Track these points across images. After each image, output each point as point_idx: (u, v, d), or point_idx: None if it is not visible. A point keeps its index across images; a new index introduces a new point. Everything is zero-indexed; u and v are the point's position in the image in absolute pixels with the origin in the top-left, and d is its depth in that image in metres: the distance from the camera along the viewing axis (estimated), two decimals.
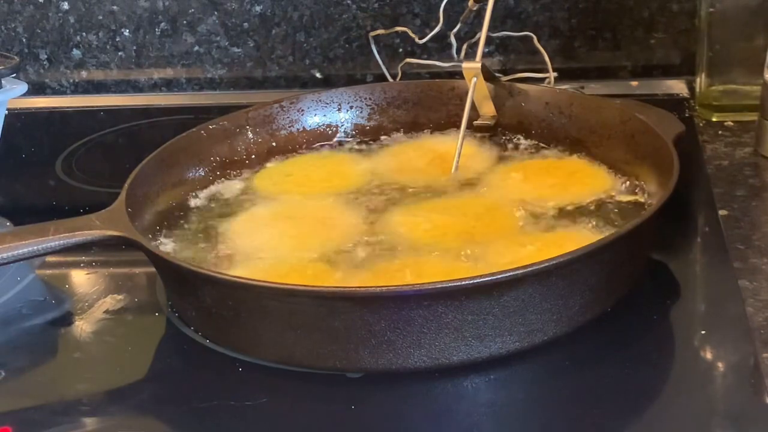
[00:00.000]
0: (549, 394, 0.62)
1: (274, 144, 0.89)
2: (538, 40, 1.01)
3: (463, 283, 0.61)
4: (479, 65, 0.84)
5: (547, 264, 0.61)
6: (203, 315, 0.68)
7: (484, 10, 0.87)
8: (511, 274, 0.61)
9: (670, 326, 0.67)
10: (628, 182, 0.78)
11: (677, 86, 1.04)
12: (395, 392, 0.62)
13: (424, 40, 1.05)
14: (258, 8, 1.09)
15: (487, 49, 1.07)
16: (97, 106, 1.11)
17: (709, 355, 0.64)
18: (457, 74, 0.90)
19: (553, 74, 0.99)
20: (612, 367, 0.63)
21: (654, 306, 0.68)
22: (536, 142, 0.87)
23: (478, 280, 0.61)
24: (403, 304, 0.61)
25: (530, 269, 0.61)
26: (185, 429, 0.61)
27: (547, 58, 1.00)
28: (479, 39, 0.86)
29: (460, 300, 0.61)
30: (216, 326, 0.67)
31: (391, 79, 1.06)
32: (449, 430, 0.59)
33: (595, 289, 0.65)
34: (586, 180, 0.80)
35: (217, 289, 0.65)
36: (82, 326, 0.71)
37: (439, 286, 0.61)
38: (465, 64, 0.85)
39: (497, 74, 0.93)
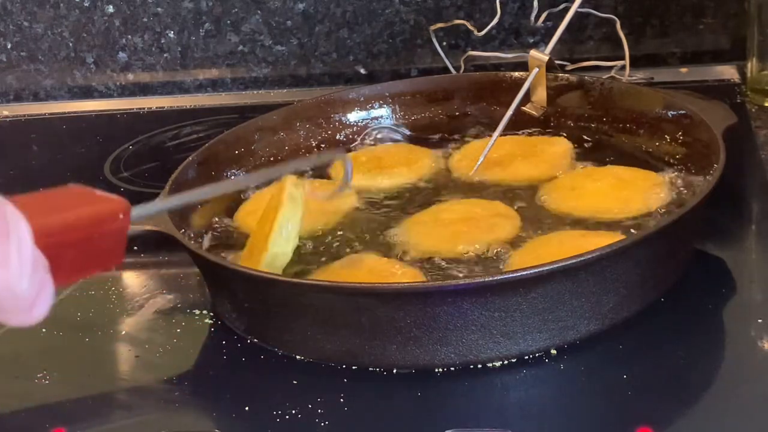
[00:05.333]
0: (597, 388, 0.60)
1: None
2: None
3: (486, 280, 0.61)
4: (547, 57, 0.82)
5: (572, 261, 0.60)
6: (237, 310, 0.68)
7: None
8: (535, 271, 0.60)
9: (726, 316, 0.66)
10: (678, 175, 0.77)
11: (728, 72, 1.02)
12: (426, 388, 0.61)
13: (483, 33, 1.03)
14: (301, 6, 1.09)
15: (537, 38, 1.06)
16: (143, 108, 1.11)
17: (766, 345, 0.63)
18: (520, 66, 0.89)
19: (624, 62, 0.97)
20: (665, 358, 0.62)
21: (708, 296, 0.67)
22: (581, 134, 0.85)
23: (500, 278, 0.61)
24: (426, 301, 0.60)
25: (555, 266, 0.60)
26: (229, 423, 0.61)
27: (625, 45, 0.98)
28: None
29: (486, 297, 0.60)
30: (248, 320, 0.67)
31: (454, 72, 1.05)
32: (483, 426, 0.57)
33: (632, 285, 0.63)
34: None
35: (247, 284, 0.65)
36: (134, 324, 0.72)
37: (462, 283, 0.61)
38: (533, 53, 0.83)
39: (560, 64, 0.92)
